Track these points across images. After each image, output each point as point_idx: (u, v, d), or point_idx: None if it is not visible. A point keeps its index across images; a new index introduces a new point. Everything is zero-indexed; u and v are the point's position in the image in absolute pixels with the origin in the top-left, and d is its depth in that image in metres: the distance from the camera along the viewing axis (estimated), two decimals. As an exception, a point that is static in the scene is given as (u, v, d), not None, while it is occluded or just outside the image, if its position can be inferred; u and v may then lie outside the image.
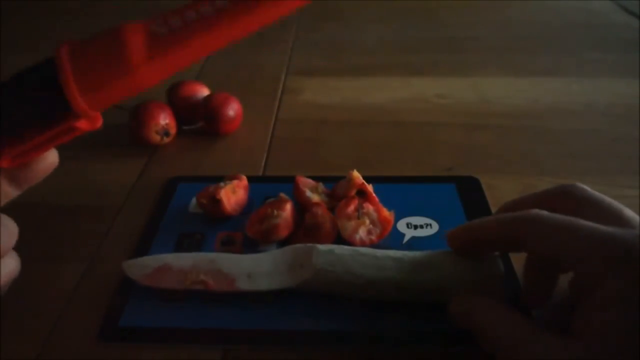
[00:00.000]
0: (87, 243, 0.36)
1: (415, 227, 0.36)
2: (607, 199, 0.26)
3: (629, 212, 0.25)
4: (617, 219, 0.25)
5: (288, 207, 0.35)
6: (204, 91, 0.49)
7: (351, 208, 0.35)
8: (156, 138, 0.44)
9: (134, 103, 0.45)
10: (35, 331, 0.30)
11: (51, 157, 0.25)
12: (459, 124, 0.48)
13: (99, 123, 0.27)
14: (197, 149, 0.46)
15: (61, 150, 0.49)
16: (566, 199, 0.27)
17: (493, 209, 0.37)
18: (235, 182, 0.38)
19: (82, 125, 0.26)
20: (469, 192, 0.39)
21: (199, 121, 0.47)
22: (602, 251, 0.22)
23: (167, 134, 0.44)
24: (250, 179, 0.39)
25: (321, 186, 0.38)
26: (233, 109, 0.46)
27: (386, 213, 0.35)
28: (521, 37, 0.69)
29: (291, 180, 0.38)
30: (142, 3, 0.84)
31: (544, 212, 0.24)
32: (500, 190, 0.39)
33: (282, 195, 0.36)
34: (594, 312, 0.21)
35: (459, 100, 0.53)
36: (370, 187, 0.36)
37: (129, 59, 0.24)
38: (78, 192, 0.41)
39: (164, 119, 0.44)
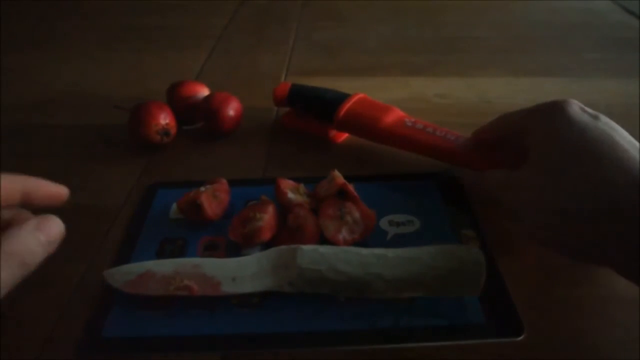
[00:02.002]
0: (87, 243, 0.36)
1: (398, 224, 0.36)
2: None
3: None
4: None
5: (270, 209, 0.35)
6: (204, 91, 0.49)
7: (333, 208, 0.35)
8: (156, 138, 0.44)
9: (134, 103, 0.45)
10: (32, 335, 0.30)
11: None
12: (459, 124, 0.48)
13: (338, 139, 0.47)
14: (197, 149, 0.46)
15: (61, 150, 0.49)
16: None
17: (493, 209, 0.37)
18: (215, 186, 0.37)
19: (331, 136, 0.46)
20: (449, 187, 0.39)
21: (199, 121, 0.47)
22: (529, 114, 0.34)
23: (167, 134, 0.44)
24: (232, 183, 0.39)
25: (302, 187, 0.38)
26: (233, 109, 0.46)
27: (368, 211, 0.35)
28: (521, 37, 0.69)
29: (272, 182, 0.38)
30: (141, 3, 0.84)
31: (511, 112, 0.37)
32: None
33: (264, 197, 0.36)
34: (528, 151, 0.32)
35: (459, 100, 0.53)
36: (351, 187, 0.36)
37: (378, 121, 0.42)
38: (78, 192, 0.41)
39: (164, 119, 0.44)
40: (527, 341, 0.28)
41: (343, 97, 0.45)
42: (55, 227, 0.28)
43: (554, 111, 0.31)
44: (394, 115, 0.43)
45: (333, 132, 0.46)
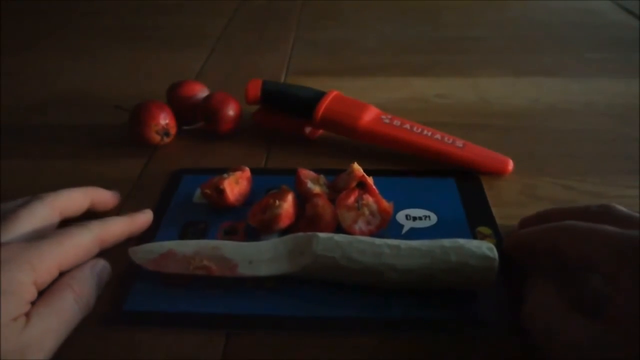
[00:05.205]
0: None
1: (414, 218, 0.36)
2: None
3: None
4: None
5: (290, 197, 0.35)
6: (204, 91, 0.49)
7: (351, 199, 0.35)
8: (156, 138, 0.44)
9: (134, 103, 0.45)
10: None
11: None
12: (459, 124, 0.48)
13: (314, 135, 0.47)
14: (197, 149, 0.46)
15: (61, 150, 0.49)
16: (603, 216, 0.28)
17: (493, 210, 0.37)
18: (238, 173, 0.38)
19: (305, 132, 0.46)
20: (468, 186, 0.39)
21: (199, 121, 0.47)
22: (617, 251, 0.24)
23: (167, 134, 0.44)
24: (254, 171, 0.40)
25: (322, 178, 0.39)
26: (233, 109, 0.46)
27: (386, 204, 0.35)
28: (521, 37, 0.69)
29: (293, 172, 0.39)
30: (141, 3, 0.84)
31: (577, 222, 0.27)
32: (500, 190, 0.39)
33: (284, 186, 0.37)
34: (611, 302, 0.24)
35: (459, 100, 0.53)
36: (370, 179, 0.37)
37: (358, 118, 0.43)
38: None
39: (164, 119, 0.44)
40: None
41: (318, 95, 0.45)
42: (106, 270, 0.31)
43: None
44: (371, 113, 0.44)
45: (309, 129, 0.46)
